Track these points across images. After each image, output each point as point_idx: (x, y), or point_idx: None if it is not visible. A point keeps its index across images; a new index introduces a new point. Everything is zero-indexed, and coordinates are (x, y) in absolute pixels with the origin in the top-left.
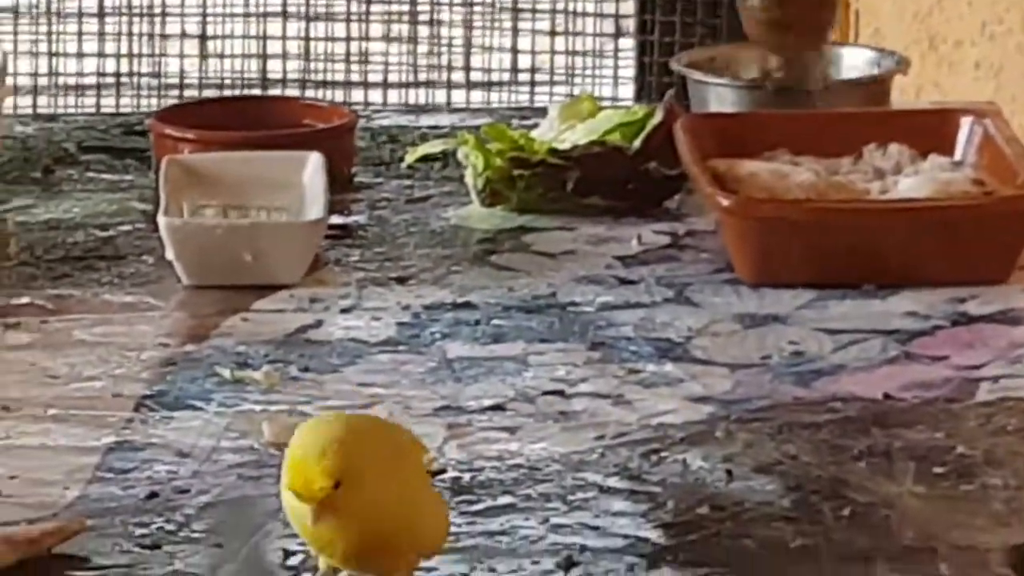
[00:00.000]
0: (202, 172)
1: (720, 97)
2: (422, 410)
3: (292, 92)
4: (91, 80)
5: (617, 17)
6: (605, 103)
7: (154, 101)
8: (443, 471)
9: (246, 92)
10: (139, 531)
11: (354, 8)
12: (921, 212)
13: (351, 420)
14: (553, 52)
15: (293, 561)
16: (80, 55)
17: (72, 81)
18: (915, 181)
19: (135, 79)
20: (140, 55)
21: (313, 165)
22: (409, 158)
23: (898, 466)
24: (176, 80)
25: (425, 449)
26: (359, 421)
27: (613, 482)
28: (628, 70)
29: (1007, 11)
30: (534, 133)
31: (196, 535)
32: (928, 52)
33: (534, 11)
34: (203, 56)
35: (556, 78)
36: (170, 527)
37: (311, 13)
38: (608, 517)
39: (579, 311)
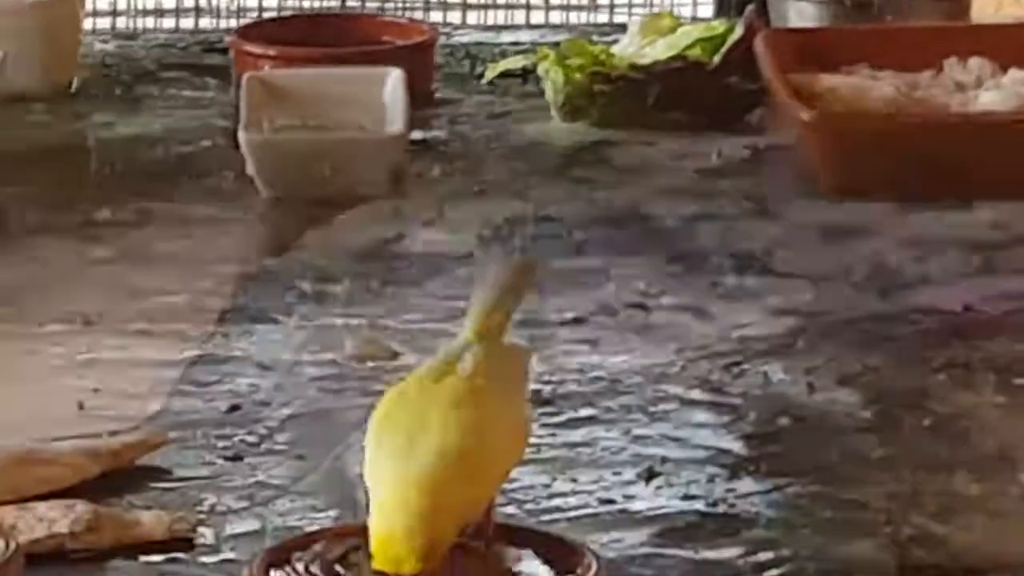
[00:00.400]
0: (282, 88)
1: (800, 12)
2: None
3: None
4: (170, 3)
5: None
6: (685, 19)
7: (232, 23)
8: None
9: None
10: (221, 443)
11: None
12: (1001, 126)
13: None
14: None
15: None
16: None
17: (151, 5)
18: (996, 95)
19: (214, 2)
20: None
21: (393, 81)
22: (489, 74)
23: (978, 377)
24: (255, 3)
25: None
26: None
27: (694, 394)
28: None
29: None
30: (614, 49)
31: (278, 447)
32: None
33: None
34: None
35: None
36: (252, 439)
37: None
38: (689, 428)
39: (660, 224)
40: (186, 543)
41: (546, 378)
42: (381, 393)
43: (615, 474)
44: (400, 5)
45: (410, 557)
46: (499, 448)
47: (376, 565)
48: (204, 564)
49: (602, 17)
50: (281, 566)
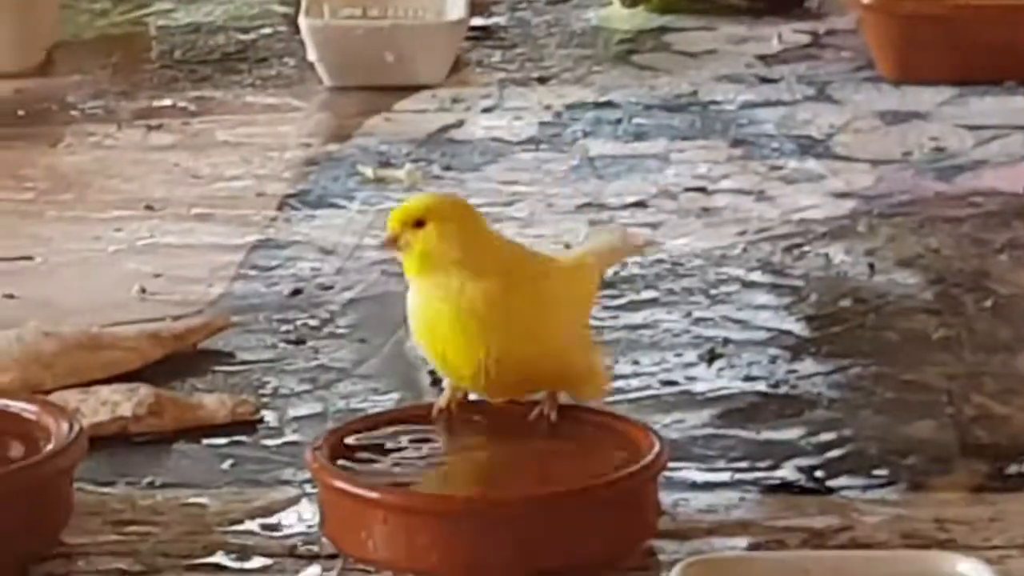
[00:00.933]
0: None
1: None
2: (564, 207)
3: None
4: None
5: None
6: None
7: None
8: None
9: None
10: (283, 327)
11: None
12: None
13: None
14: None
15: None
16: None
17: None
18: None
19: None
20: None
21: None
22: None
23: None
24: None
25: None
26: None
27: (756, 276)
28: None
29: None
30: None
31: (340, 331)
32: None
33: None
34: None
35: None
36: (314, 323)
37: None
38: (751, 310)
39: (720, 109)
40: (248, 426)
41: None
42: None
43: (677, 356)
44: None
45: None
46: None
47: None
48: (266, 447)
49: None
50: (344, 454)
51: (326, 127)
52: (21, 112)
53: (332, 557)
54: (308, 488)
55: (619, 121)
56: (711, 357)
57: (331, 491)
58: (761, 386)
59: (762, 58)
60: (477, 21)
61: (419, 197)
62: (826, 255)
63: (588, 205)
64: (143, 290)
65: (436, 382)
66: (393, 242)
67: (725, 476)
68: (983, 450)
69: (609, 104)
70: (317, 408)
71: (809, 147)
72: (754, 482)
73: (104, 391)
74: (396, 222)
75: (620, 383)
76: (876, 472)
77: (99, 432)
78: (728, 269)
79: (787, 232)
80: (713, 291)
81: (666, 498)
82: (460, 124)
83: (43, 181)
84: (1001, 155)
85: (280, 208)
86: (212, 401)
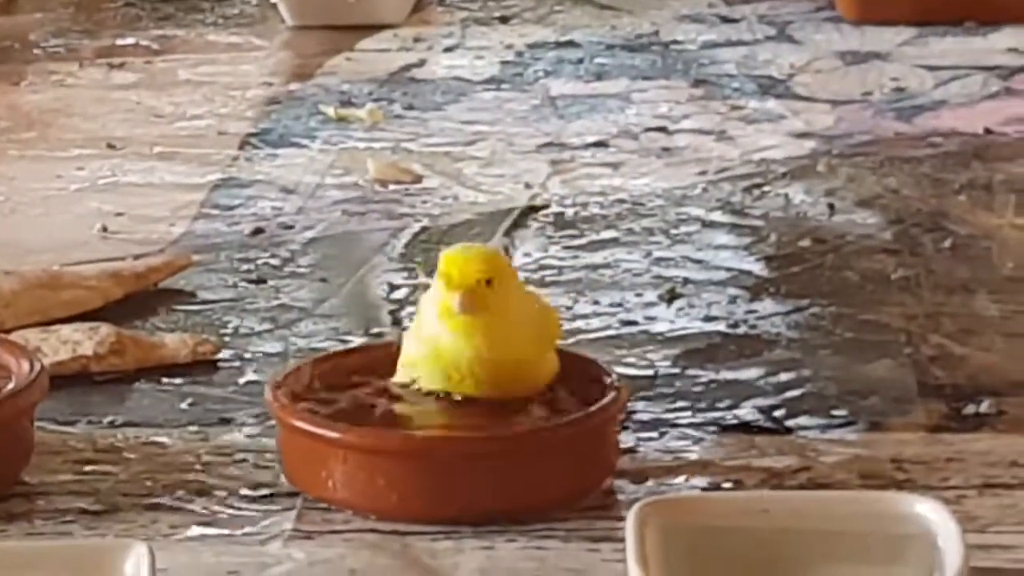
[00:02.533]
0: None
1: None
2: (525, 147)
3: None
4: None
5: None
6: None
7: None
8: None
9: None
10: (244, 266)
11: None
12: None
13: None
14: None
15: (397, 295)
16: None
17: None
18: None
19: None
20: None
21: None
22: None
23: (999, 199)
24: None
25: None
26: None
27: (716, 216)
28: None
29: None
30: None
31: (301, 270)
32: None
33: None
34: None
35: None
36: (275, 262)
37: None
38: (711, 250)
39: (681, 49)
40: (209, 365)
41: (568, 201)
42: (403, 216)
43: (637, 295)
44: None
45: (479, 267)
46: None
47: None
48: (227, 386)
49: None
50: (305, 394)
51: (288, 66)
52: None
53: (292, 495)
54: (268, 427)
55: (580, 61)
56: (671, 297)
57: (291, 431)
58: (720, 326)
59: None
60: None
61: (481, 255)
62: (786, 195)
63: (549, 145)
64: (104, 229)
65: (397, 322)
66: (473, 303)
67: (684, 416)
68: (941, 390)
69: (570, 44)
70: (278, 347)
71: (769, 87)
72: (713, 422)
73: (65, 330)
74: (472, 280)
75: (580, 323)
76: (835, 412)
77: (60, 371)
78: (688, 209)
79: (747, 172)
80: (673, 231)
81: (625, 438)
82: (422, 63)
83: (4, 120)
84: (960, 95)
85: (242, 147)
86: (173, 340)
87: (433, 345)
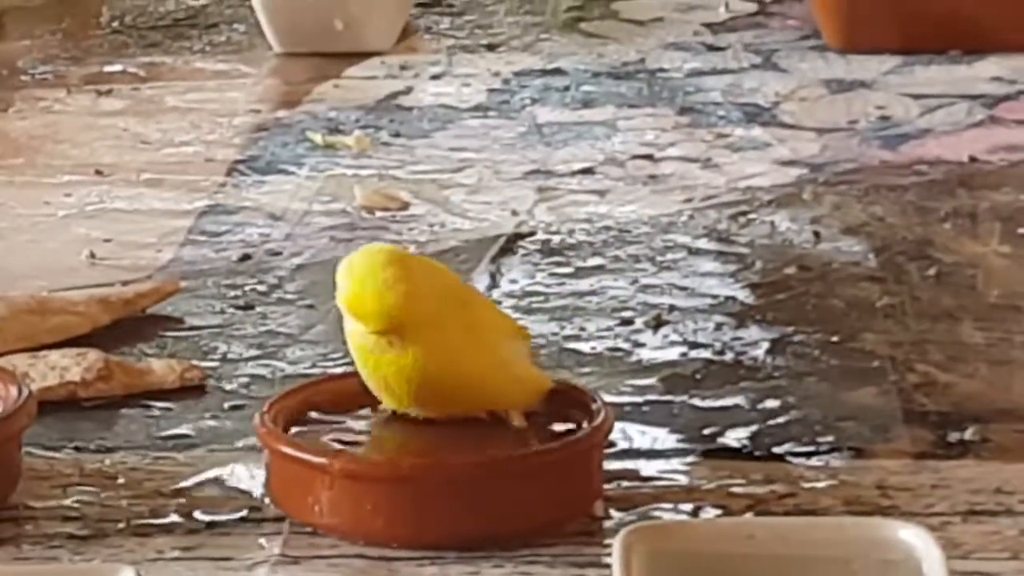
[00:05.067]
0: None
1: None
2: (512, 174)
3: None
4: None
5: None
6: None
7: None
8: None
9: None
10: (232, 292)
11: None
12: None
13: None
14: None
15: None
16: None
17: None
18: None
19: None
20: None
21: None
22: None
23: (984, 227)
24: None
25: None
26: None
27: (702, 243)
28: None
29: None
30: None
31: (289, 296)
32: None
33: None
34: None
35: None
36: (262, 288)
37: None
38: (697, 277)
39: (668, 77)
40: (197, 391)
41: (555, 228)
42: (391, 243)
43: (624, 323)
44: None
45: (379, 315)
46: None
47: (355, 313)
48: (215, 411)
49: None
50: (292, 419)
51: (275, 93)
52: None
53: (279, 521)
54: (256, 453)
55: (567, 88)
56: (657, 324)
57: (278, 456)
58: (706, 353)
59: (709, 26)
60: None
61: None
62: (772, 223)
63: (536, 172)
64: (92, 255)
65: None
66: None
67: (670, 442)
68: (926, 417)
69: (557, 71)
70: (265, 373)
71: (755, 115)
72: (699, 448)
73: (53, 356)
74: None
75: (567, 349)
76: (820, 439)
77: (48, 397)
78: (674, 236)
79: (733, 200)
80: (659, 258)
81: (611, 464)
82: (409, 91)
83: None
84: (946, 124)
85: (229, 174)
86: (161, 367)
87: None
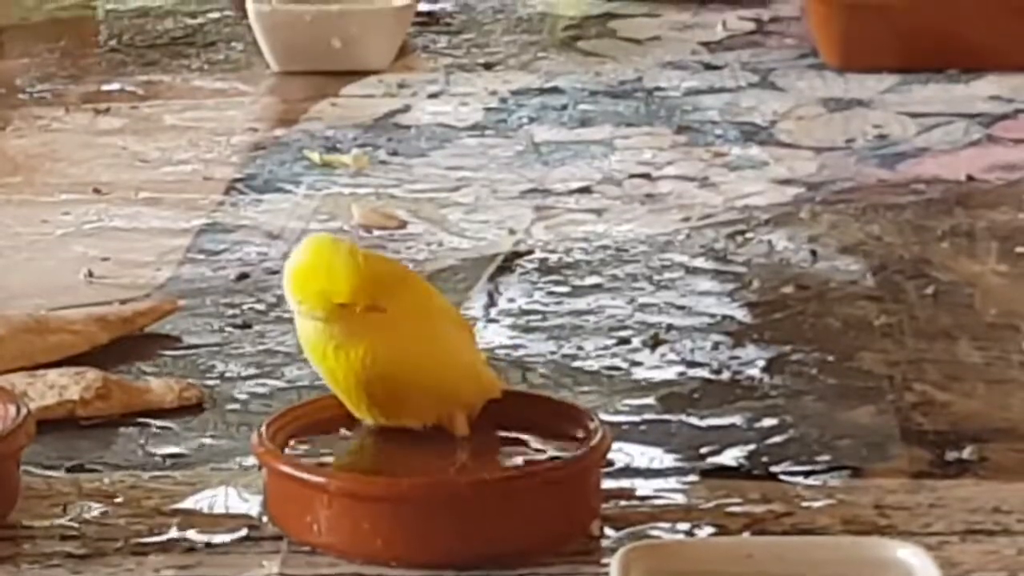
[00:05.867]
0: None
1: None
2: (509, 193)
3: None
4: None
5: None
6: None
7: None
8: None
9: None
10: (230, 311)
11: None
12: None
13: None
14: None
15: None
16: None
17: None
18: None
19: None
20: None
21: None
22: None
23: (981, 246)
24: None
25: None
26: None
27: (699, 262)
28: None
29: None
30: None
31: (286, 315)
32: None
33: None
34: None
35: None
36: (260, 307)
37: None
38: (694, 296)
39: (665, 96)
40: (195, 409)
41: (552, 247)
42: None
43: (621, 342)
44: None
45: (341, 287)
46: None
47: (301, 304)
48: (212, 430)
49: None
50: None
51: (273, 112)
52: None
53: (277, 540)
54: (254, 472)
55: (564, 107)
56: (654, 343)
57: (276, 475)
58: (704, 372)
59: (706, 45)
60: (423, 7)
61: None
62: (769, 241)
63: (533, 191)
64: (90, 273)
65: None
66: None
67: (668, 461)
68: (924, 437)
69: (554, 90)
70: (263, 392)
71: (752, 134)
72: (696, 467)
73: (52, 374)
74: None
75: (564, 368)
76: (818, 458)
77: (47, 416)
78: (672, 255)
79: (730, 219)
80: (657, 277)
81: (609, 483)
82: (406, 109)
83: None
84: (943, 142)
85: (227, 192)
86: (159, 386)
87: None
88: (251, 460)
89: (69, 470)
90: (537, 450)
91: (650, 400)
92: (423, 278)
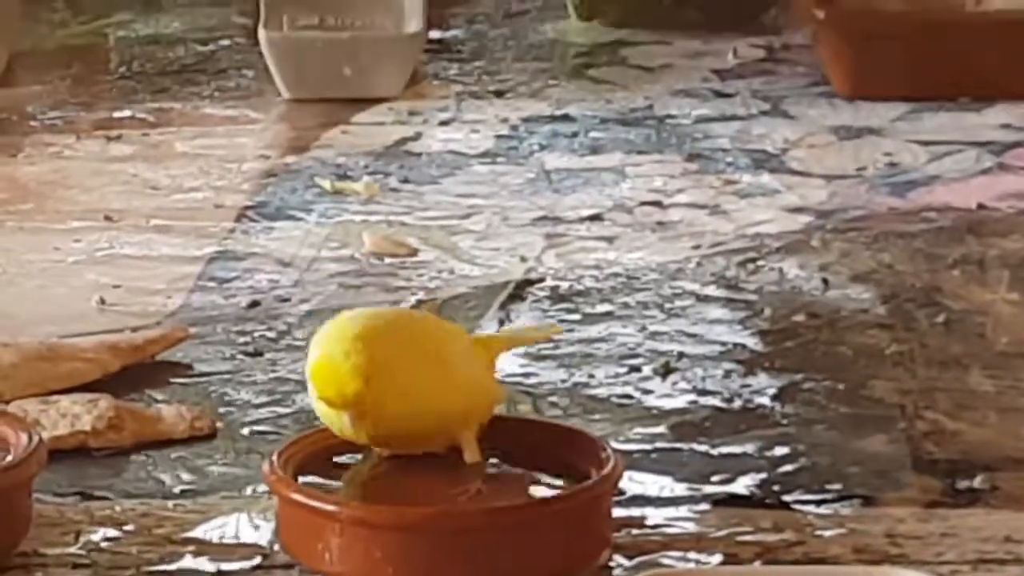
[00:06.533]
0: None
1: None
2: (520, 220)
3: None
4: None
5: None
6: None
7: None
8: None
9: None
10: (241, 339)
11: None
12: (1016, 24)
13: (369, 317)
14: None
15: None
16: None
17: None
18: None
19: None
20: None
21: None
22: None
23: (992, 274)
24: None
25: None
26: (377, 316)
27: (710, 290)
28: None
29: None
30: None
31: (298, 342)
32: None
33: None
34: None
35: None
36: (271, 335)
37: None
38: (705, 324)
39: (676, 123)
40: (206, 437)
41: (563, 274)
42: (399, 289)
43: (632, 369)
44: None
45: (351, 379)
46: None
47: (320, 396)
48: (224, 458)
49: None
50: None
51: (284, 139)
52: None
53: (289, 568)
54: (266, 500)
55: (575, 134)
56: (665, 371)
57: (288, 503)
58: (715, 400)
59: (717, 72)
60: (435, 34)
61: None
62: (780, 269)
63: (544, 218)
64: (102, 301)
65: None
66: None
67: (679, 489)
68: (935, 465)
69: (565, 117)
70: (274, 420)
71: (763, 162)
72: (708, 496)
73: (64, 402)
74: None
75: (576, 396)
76: (829, 487)
77: (59, 446)
78: (683, 283)
79: (741, 246)
80: (668, 305)
81: (620, 512)
82: (417, 137)
83: (2, 192)
84: (954, 171)
85: (238, 220)
86: (171, 415)
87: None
88: (263, 488)
89: (81, 498)
90: (548, 478)
91: (661, 428)
92: (429, 309)
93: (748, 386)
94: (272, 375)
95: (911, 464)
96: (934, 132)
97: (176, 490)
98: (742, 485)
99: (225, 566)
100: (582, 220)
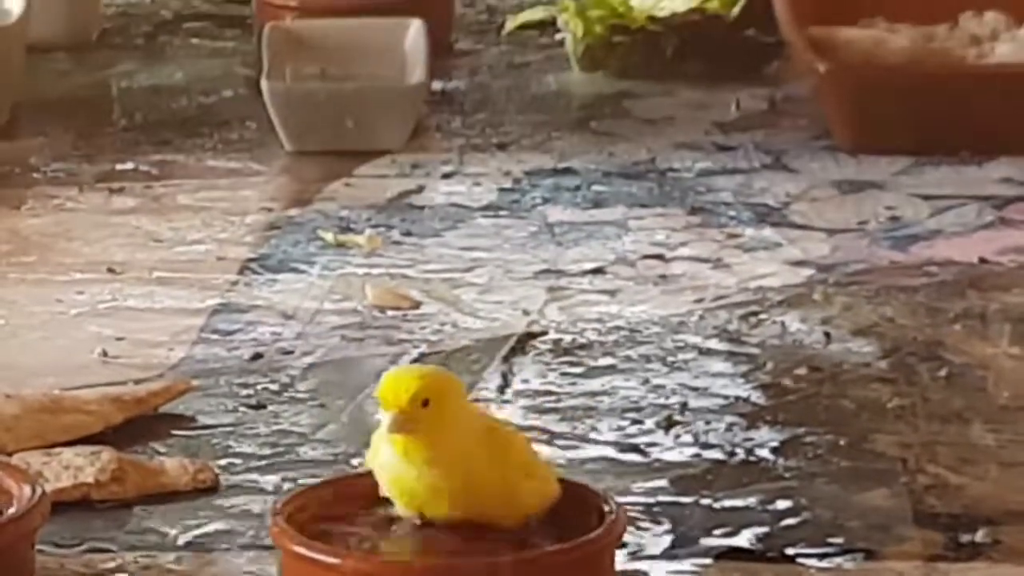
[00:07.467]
0: (304, 38)
1: None
2: (523, 273)
3: None
4: None
5: None
6: None
7: None
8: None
9: None
10: (244, 391)
11: None
12: (1018, 78)
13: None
14: None
15: None
16: None
17: None
18: (1011, 48)
19: None
20: None
21: (414, 32)
22: (509, 25)
23: (994, 328)
24: None
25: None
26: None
27: (713, 344)
28: None
29: None
30: (633, 1)
31: (300, 395)
32: None
33: None
34: None
35: None
36: (274, 387)
37: None
38: (708, 378)
39: (678, 176)
40: (209, 490)
41: (566, 328)
42: (402, 342)
43: (635, 423)
44: None
45: (406, 395)
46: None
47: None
48: (227, 511)
49: None
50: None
51: (287, 192)
52: None
53: None
54: (269, 553)
55: (578, 188)
56: (668, 424)
57: (292, 556)
58: (717, 453)
59: (720, 125)
60: (437, 85)
61: (416, 375)
62: (782, 323)
63: (547, 272)
64: (105, 353)
65: None
66: (403, 424)
67: (682, 543)
68: (937, 519)
69: (568, 171)
70: (277, 473)
71: (766, 215)
72: (710, 550)
73: (67, 454)
74: (404, 400)
75: (578, 450)
76: (831, 540)
77: (61, 498)
78: (685, 336)
79: (744, 300)
80: (670, 358)
81: (624, 565)
82: (420, 190)
83: (5, 244)
84: (956, 225)
85: (241, 272)
86: (174, 467)
87: (388, 471)
88: (266, 540)
89: (84, 550)
90: (550, 532)
91: (664, 482)
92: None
93: (750, 439)
94: (275, 427)
95: (913, 518)
96: (936, 186)
97: (179, 542)
98: (744, 538)
99: None
100: (584, 273)
